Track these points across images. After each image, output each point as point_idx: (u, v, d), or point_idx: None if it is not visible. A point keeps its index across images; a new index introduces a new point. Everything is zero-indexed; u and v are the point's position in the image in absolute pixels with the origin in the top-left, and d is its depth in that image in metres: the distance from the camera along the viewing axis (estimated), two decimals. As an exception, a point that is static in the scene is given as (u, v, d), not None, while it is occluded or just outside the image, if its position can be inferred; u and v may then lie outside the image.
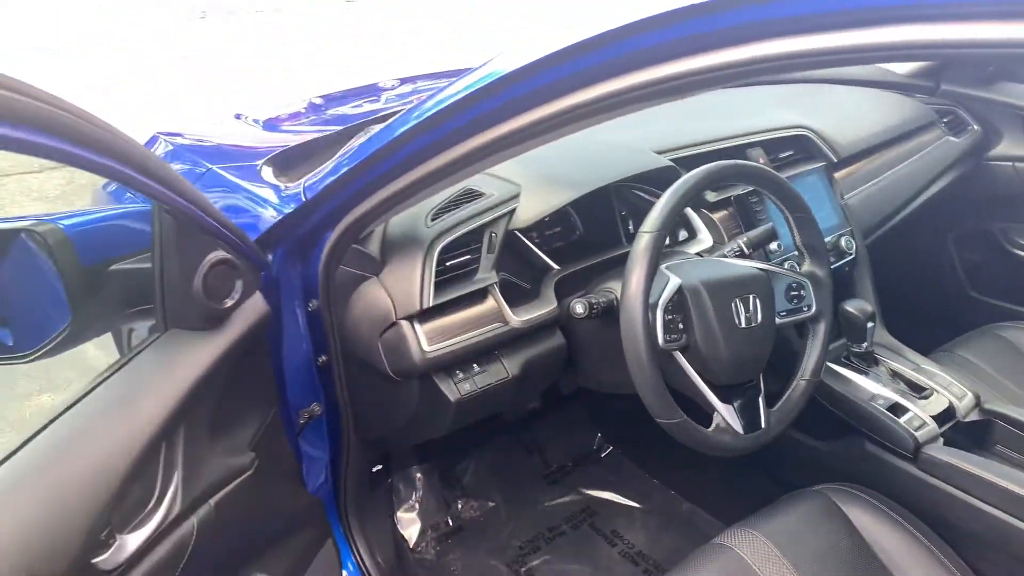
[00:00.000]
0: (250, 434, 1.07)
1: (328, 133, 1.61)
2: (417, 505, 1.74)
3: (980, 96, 1.93)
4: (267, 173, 1.39)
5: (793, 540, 1.20)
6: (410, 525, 1.72)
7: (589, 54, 0.80)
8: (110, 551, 0.80)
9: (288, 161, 1.49)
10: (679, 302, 1.12)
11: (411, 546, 1.70)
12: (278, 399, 1.20)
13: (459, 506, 1.80)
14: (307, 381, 1.30)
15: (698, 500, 1.82)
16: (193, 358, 0.93)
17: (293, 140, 1.58)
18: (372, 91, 1.96)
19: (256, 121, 1.88)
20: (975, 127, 1.96)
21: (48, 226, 0.89)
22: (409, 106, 1.02)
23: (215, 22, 6.03)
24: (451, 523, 1.77)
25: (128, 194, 1.73)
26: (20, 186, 4.16)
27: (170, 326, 0.95)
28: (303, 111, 1.92)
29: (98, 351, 2.88)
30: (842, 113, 1.81)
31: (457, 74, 2.26)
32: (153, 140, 1.82)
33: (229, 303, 0.96)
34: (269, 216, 1.22)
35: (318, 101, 1.97)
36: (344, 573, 1.39)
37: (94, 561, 0.78)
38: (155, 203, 0.85)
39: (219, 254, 0.94)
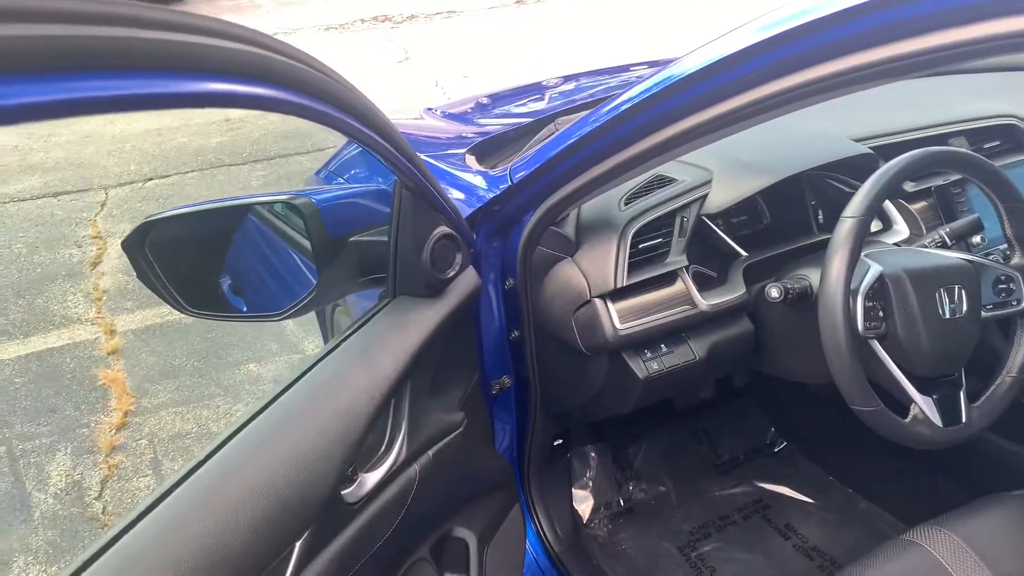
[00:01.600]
0: (459, 396, 1.18)
1: (520, 124, 1.71)
2: (590, 483, 1.80)
3: None
4: (471, 160, 1.50)
5: (991, 543, 1.16)
6: (583, 502, 1.79)
7: (806, 37, 0.81)
8: (354, 486, 0.92)
9: (485, 150, 1.60)
10: (880, 290, 1.12)
11: (584, 522, 1.76)
12: (479, 368, 1.30)
13: (630, 488, 1.85)
14: (499, 354, 1.39)
15: (878, 499, 1.77)
16: (420, 322, 1.03)
17: (475, 131, 1.69)
18: (536, 89, 2.04)
19: (443, 114, 2.02)
20: None
21: (304, 199, 1.03)
22: (614, 95, 1.08)
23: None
24: (622, 504, 1.83)
25: (339, 179, 1.92)
26: (228, 176, 4.61)
27: (399, 293, 1.06)
28: (470, 110, 2.04)
29: (296, 327, 3.18)
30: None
31: (619, 70, 2.30)
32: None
33: (451, 273, 1.06)
34: (476, 198, 1.32)
35: (485, 100, 2.08)
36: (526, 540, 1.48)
37: (343, 493, 0.89)
38: (398, 179, 0.96)
39: (443, 229, 1.04)
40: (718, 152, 1.36)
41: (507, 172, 1.29)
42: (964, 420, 1.16)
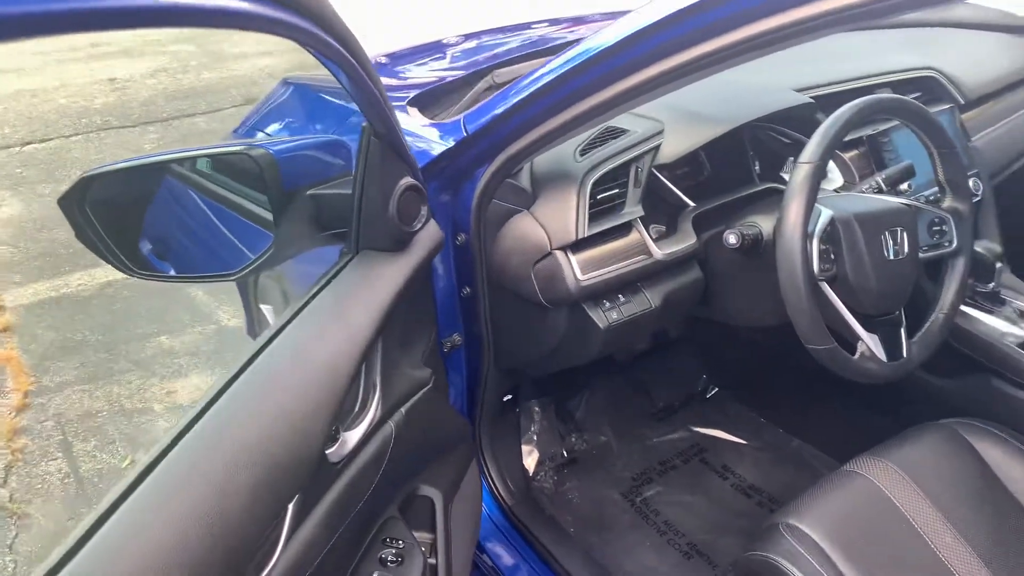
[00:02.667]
0: (422, 353, 1.15)
1: (458, 76, 1.67)
2: (535, 437, 1.82)
3: (1109, 38, 1.90)
4: (414, 112, 1.46)
5: (922, 469, 1.24)
6: (530, 455, 1.80)
7: None
8: (337, 445, 0.89)
9: (427, 100, 1.55)
10: (831, 234, 1.16)
11: (531, 474, 1.78)
12: (436, 325, 1.28)
13: (573, 439, 1.88)
14: (450, 312, 1.37)
15: (807, 437, 1.86)
16: (388, 276, 1.00)
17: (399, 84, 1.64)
18: (437, 48, 2.01)
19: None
20: (1102, 70, 1.92)
21: (260, 150, 0.96)
22: (575, 46, 1.07)
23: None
24: (566, 455, 1.85)
25: (263, 133, 1.82)
26: (117, 140, 4.33)
27: (363, 247, 1.02)
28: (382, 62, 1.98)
29: (207, 297, 3.04)
30: (967, 56, 1.79)
31: (520, 28, 2.28)
32: (283, 85, 1.90)
33: (417, 226, 1.03)
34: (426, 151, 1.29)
35: (383, 60, 2.02)
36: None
37: (327, 452, 0.86)
38: (365, 126, 0.91)
39: (409, 180, 1.01)
40: (669, 104, 1.37)
41: (460, 123, 1.26)
42: (905, 355, 1.23)
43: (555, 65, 1.08)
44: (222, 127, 4.37)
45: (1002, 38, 1.92)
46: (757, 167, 1.50)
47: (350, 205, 0.99)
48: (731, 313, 1.45)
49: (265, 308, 2.06)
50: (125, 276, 1.04)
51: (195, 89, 4.96)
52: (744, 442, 1.90)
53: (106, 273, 3.07)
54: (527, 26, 2.16)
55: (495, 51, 1.87)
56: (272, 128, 1.80)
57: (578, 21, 2.16)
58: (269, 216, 1.00)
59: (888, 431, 1.34)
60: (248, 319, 2.23)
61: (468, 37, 2.10)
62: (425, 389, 1.10)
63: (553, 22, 2.19)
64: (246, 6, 0.57)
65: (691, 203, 1.39)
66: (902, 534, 1.17)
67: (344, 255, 1.03)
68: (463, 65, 1.78)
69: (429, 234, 1.09)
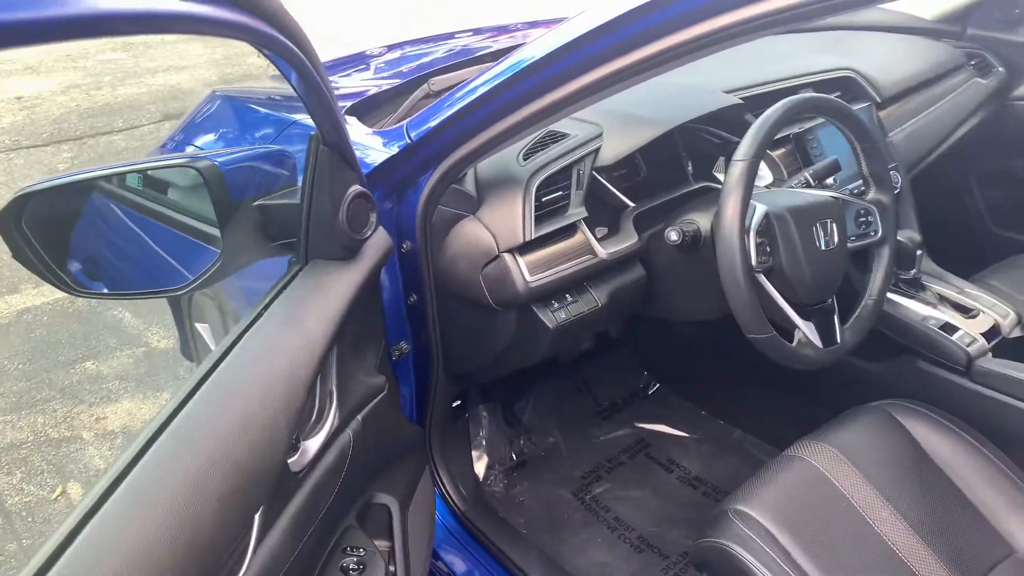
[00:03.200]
0: (374, 361, 1.15)
1: (390, 85, 1.68)
2: (484, 442, 1.83)
3: (1004, 39, 2.03)
4: (352, 121, 1.45)
5: (859, 450, 1.30)
6: (479, 460, 1.81)
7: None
8: (298, 454, 0.88)
9: (364, 109, 1.55)
10: (766, 227, 1.21)
11: (481, 479, 1.79)
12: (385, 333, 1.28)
13: (521, 442, 1.90)
14: (397, 320, 1.37)
15: (747, 427, 1.93)
16: (340, 283, 0.99)
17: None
18: (360, 59, 2.01)
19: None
20: (1000, 69, 2.05)
21: (205, 162, 0.95)
22: (517, 53, 1.09)
23: None
24: (515, 458, 1.87)
25: (194, 146, 1.78)
26: (28, 160, 4.14)
27: (312, 257, 1.02)
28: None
29: (135, 319, 2.94)
30: (880, 57, 1.89)
31: (444, 38, 2.31)
32: (211, 98, 1.86)
33: (367, 233, 1.03)
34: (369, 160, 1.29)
35: None
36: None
37: (289, 461, 0.85)
38: (313, 135, 0.91)
39: (357, 187, 1.01)
40: (606, 108, 1.40)
41: (403, 130, 1.26)
42: (839, 341, 1.29)
43: (497, 72, 1.09)
44: (141, 144, 4.24)
45: (911, 40, 2.03)
46: (690, 167, 1.55)
47: (298, 215, 0.98)
48: (674, 309, 1.49)
49: (201, 327, 2.01)
50: (44, 302, 1.01)
51: (110, 106, 4.80)
52: (687, 435, 1.95)
53: (23, 299, 2.94)
54: (451, 36, 2.18)
55: (420, 61, 1.88)
56: (203, 141, 1.77)
57: (501, 30, 2.19)
58: (214, 229, 0.98)
59: (824, 416, 1.40)
60: (182, 339, 2.17)
61: (391, 48, 2.11)
62: (380, 397, 1.10)
63: (476, 31, 2.22)
64: (202, 10, 0.56)
65: (631, 203, 1.42)
66: (842, 512, 1.23)
67: (293, 265, 1.02)
68: (391, 75, 1.78)
69: (378, 241, 1.09)
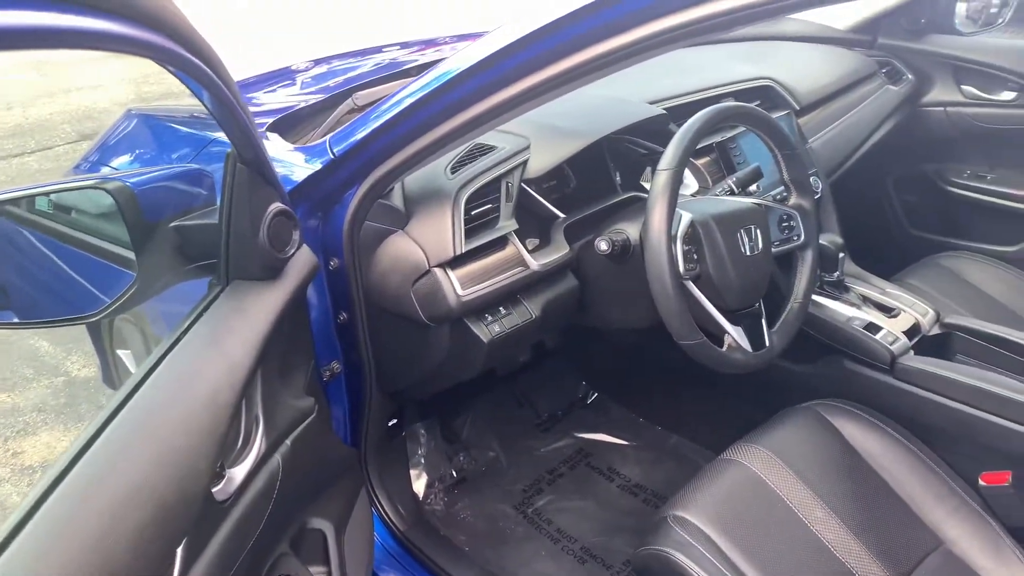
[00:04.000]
0: (303, 382, 1.12)
1: (316, 100, 1.65)
2: (423, 460, 1.80)
3: (912, 47, 2.12)
4: (274, 137, 1.42)
5: (792, 450, 1.33)
6: (419, 479, 1.78)
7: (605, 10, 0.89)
8: (223, 483, 0.84)
9: (285, 126, 1.52)
10: (692, 235, 1.23)
11: (421, 498, 1.76)
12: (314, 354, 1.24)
13: (460, 458, 1.87)
14: (327, 339, 1.34)
15: (684, 432, 1.95)
16: (263, 304, 0.96)
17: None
18: (286, 74, 1.99)
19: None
20: (910, 76, 2.14)
21: (116, 183, 0.91)
22: (441, 65, 1.08)
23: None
24: (455, 475, 1.84)
25: (108, 167, 1.72)
26: (-65, 183, 3.94)
27: (233, 278, 0.98)
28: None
29: (53, 347, 2.82)
30: (797, 66, 1.95)
31: (371, 52, 2.30)
32: (127, 117, 1.80)
33: (290, 252, 1.00)
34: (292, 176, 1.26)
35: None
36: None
37: (213, 491, 0.82)
38: (230, 152, 0.88)
39: (278, 205, 0.98)
40: (533, 120, 1.41)
41: (325, 146, 1.24)
42: (768, 344, 1.31)
43: (421, 85, 1.08)
44: (56, 165, 4.08)
45: (825, 49, 2.10)
46: (618, 177, 1.56)
47: (217, 235, 0.95)
48: (606, 318, 1.50)
49: (123, 353, 1.93)
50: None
51: (22, 127, 4.61)
52: (626, 443, 1.96)
53: (-70, 332, 2.79)
54: (378, 50, 2.16)
55: (347, 75, 1.85)
56: (119, 162, 1.71)
57: (429, 44, 2.18)
58: (129, 252, 0.94)
59: (757, 418, 1.42)
60: (103, 366, 2.09)
61: (318, 62, 2.08)
62: (309, 419, 1.07)
63: (404, 45, 2.21)
64: (110, 26, 0.54)
65: (561, 214, 1.43)
66: (778, 513, 1.25)
67: (213, 287, 0.99)
68: (317, 89, 1.75)
69: (303, 260, 1.06)
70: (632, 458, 1.91)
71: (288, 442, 1.00)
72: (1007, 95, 2.07)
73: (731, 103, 1.33)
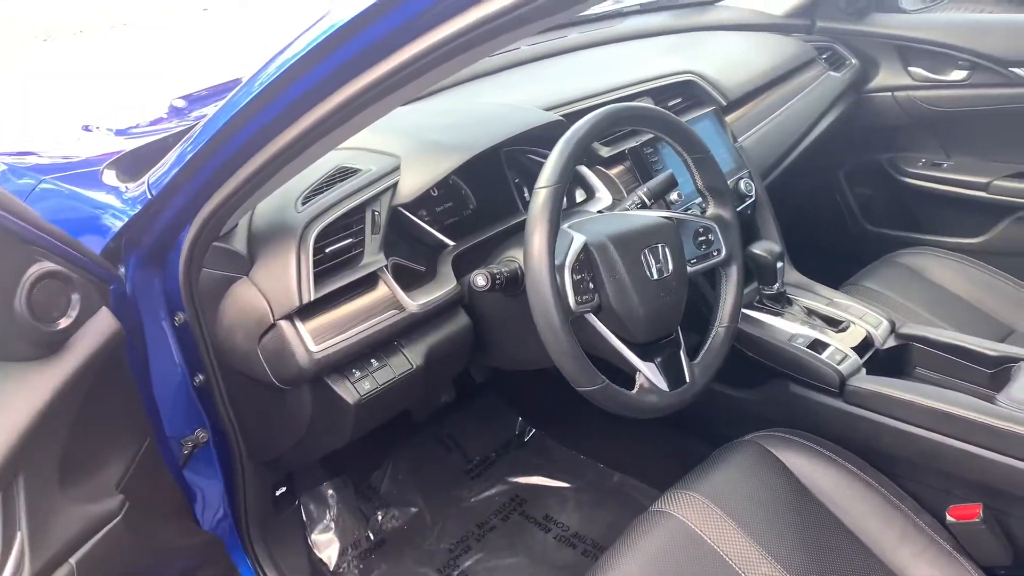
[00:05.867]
0: (117, 474, 0.92)
1: (180, 128, 1.45)
2: (333, 524, 1.60)
3: (854, 29, 1.97)
4: (109, 177, 1.23)
5: (732, 495, 1.16)
6: (327, 547, 1.58)
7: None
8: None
9: (136, 163, 1.32)
10: (586, 261, 1.04)
11: (331, 569, 1.56)
12: (151, 430, 1.05)
13: (379, 518, 1.68)
14: (186, 406, 1.16)
15: (628, 469, 1.76)
16: (25, 393, 0.77)
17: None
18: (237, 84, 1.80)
19: (110, 130, 1.69)
20: (853, 61, 1.99)
21: None
22: (246, 78, 0.90)
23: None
24: (372, 537, 1.65)
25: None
26: None
27: (-13, 360, 0.79)
28: (164, 116, 1.75)
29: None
30: (725, 57, 1.78)
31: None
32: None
33: (65, 323, 0.81)
34: (115, 224, 1.07)
35: (180, 103, 1.79)
36: None
37: None
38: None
39: (45, 266, 0.79)
40: (407, 135, 1.22)
41: (145, 185, 1.05)
42: (688, 380, 1.13)
43: (228, 102, 0.90)
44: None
45: (759, 37, 1.93)
46: (526, 193, 1.38)
47: None
48: (506, 357, 1.31)
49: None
50: None
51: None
52: (566, 485, 1.77)
53: None
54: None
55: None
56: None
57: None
58: None
59: (701, 450, 1.26)
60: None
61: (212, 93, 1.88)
62: (114, 523, 0.87)
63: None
64: None
65: (449, 242, 1.24)
66: (715, 573, 1.07)
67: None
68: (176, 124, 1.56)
69: (96, 327, 0.87)
70: (572, 502, 1.72)
71: (72, 563, 0.80)
72: (958, 74, 1.91)
73: (622, 104, 1.13)
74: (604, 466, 1.79)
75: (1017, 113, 1.87)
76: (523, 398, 1.91)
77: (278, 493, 1.42)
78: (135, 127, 1.70)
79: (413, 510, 1.70)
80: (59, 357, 0.82)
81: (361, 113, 0.85)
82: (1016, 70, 1.82)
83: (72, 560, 0.80)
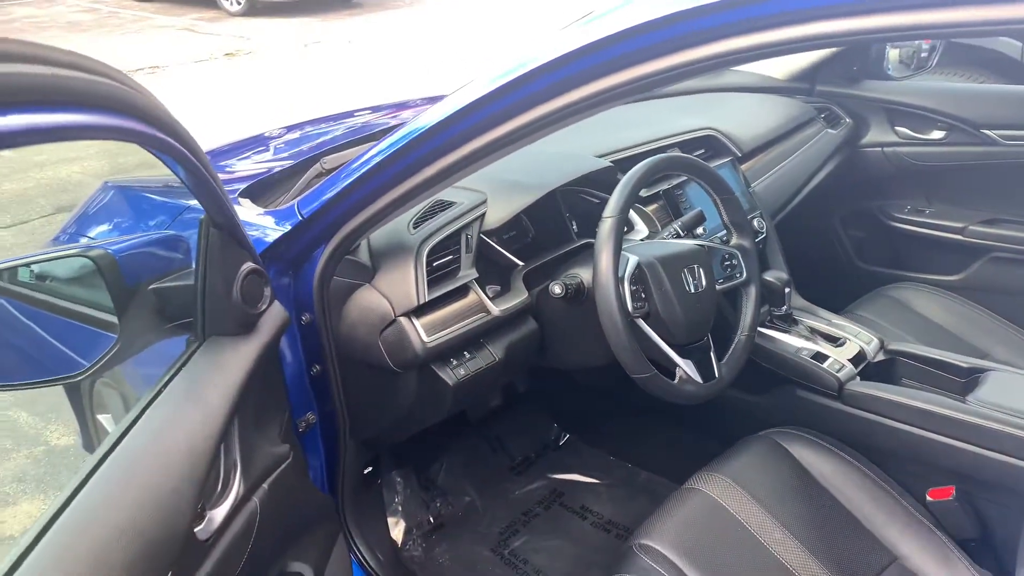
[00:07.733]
0: (278, 431, 1.18)
1: (287, 165, 1.73)
2: (400, 508, 1.85)
3: (848, 93, 2.27)
4: (246, 203, 1.50)
5: (750, 477, 1.40)
6: (396, 527, 1.82)
7: (565, 66, 0.98)
8: (204, 523, 0.90)
9: (256, 192, 1.60)
10: (639, 276, 1.32)
11: (399, 545, 1.80)
12: (289, 405, 1.31)
13: (437, 504, 1.92)
14: (301, 392, 1.40)
15: (653, 467, 2.01)
16: (238, 357, 1.03)
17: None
18: (259, 141, 2.07)
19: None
20: (847, 120, 2.28)
21: (99, 251, 0.98)
22: (400, 129, 1.17)
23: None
24: (432, 521, 1.89)
25: (87, 237, 1.79)
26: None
27: (209, 334, 1.05)
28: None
29: (32, 417, 2.84)
30: (738, 115, 2.08)
31: (343, 116, 2.36)
32: (104, 189, 1.88)
33: (262, 308, 1.08)
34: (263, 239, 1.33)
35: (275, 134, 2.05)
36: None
37: (196, 530, 0.88)
38: (204, 218, 0.96)
39: (250, 264, 1.06)
40: (489, 176, 1.50)
41: (293, 208, 1.32)
42: (717, 376, 1.40)
43: (382, 147, 1.17)
44: (32, 239, 4.12)
45: (765, 98, 2.24)
46: (575, 226, 1.66)
47: (193, 295, 1.02)
48: (565, 357, 1.57)
49: (103, 417, 1.97)
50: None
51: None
52: (598, 482, 2.02)
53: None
54: (350, 114, 2.25)
55: (320, 140, 1.94)
56: (97, 231, 1.78)
57: (400, 107, 2.27)
58: (111, 316, 1.01)
59: (717, 449, 1.49)
60: (83, 432, 2.12)
61: (291, 128, 2.17)
62: (284, 465, 1.13)
63: (375, 109, 2.30)
64: (98, 120, 0.62)
65: (520, 263, 1.52)
66: (738, 537, 1.31)
67: (191, 343, 1.05)
68: (289, 155, 1.84)
69: (274, 315, 1.14)
70: (604, 496, 1.97)
71: (265, 486, 1.06)
72: (937, 134, 2.21)
73: (669, 154, 1.43)
74: (632, 465, 2.04)
75: (988, 167, 2.17)
76: (559, 406, 2.17)
77: (366, 472, 1.67)
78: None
79: (467, 499, 1.95)
80: (255, 334, 1.08)
81: (485, 158, 1.12)
82: (987, 131, 2.12)
83: (265, 484, 1.06)
